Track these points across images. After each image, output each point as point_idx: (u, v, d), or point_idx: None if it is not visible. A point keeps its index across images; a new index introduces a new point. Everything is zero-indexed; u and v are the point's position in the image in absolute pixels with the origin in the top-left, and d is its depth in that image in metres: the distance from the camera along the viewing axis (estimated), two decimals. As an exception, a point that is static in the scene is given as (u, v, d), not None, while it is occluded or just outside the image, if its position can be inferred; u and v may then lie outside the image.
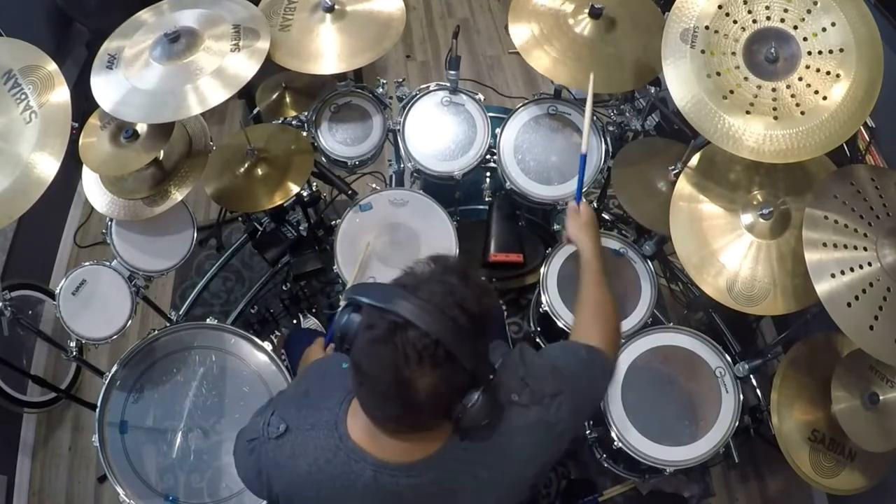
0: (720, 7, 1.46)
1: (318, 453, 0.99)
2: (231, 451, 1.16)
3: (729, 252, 1.59)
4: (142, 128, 1.69)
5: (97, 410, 1.66)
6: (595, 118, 2.02)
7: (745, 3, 1.46)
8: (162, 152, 1.77)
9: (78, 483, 2.38)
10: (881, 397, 1.50)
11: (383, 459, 0.96)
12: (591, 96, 1.56)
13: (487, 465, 0.98)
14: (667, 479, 2.11)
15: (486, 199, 2.16)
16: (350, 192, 2.05)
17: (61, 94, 1.48)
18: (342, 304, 0.95)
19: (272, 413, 1.05)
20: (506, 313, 2.16)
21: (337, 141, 2.09)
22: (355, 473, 0.97)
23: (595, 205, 2.22)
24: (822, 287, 1.35)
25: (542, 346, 2.08)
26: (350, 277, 1.85)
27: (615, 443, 1.68)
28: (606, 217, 2.53)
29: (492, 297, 0.92)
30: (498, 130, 2.02)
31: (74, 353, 1.82)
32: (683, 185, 1.67)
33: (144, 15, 1.72)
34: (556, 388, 1.05)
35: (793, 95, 1.42)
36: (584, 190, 1.97)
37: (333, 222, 2.02)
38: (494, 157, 2.05)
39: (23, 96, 1.47)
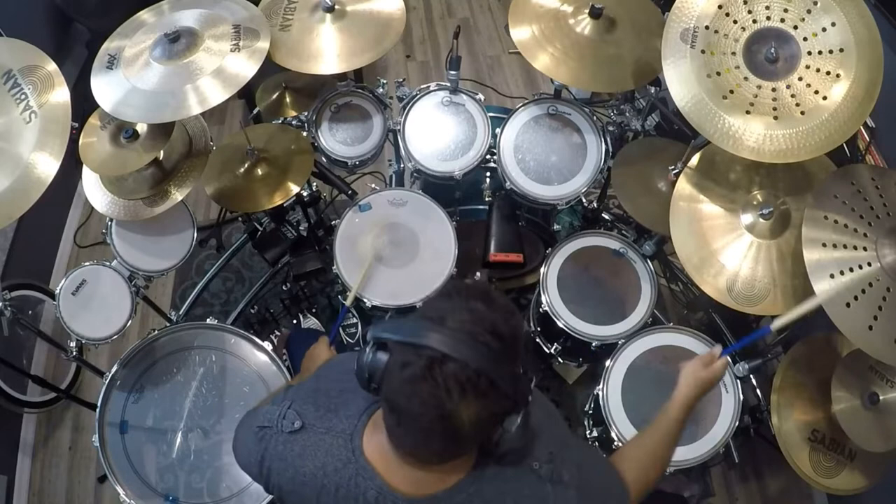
0: (720, 7, 1.47)
1: (327, 459, 0.98)
2: (231, 451, 1.15)
3: (729, 252, 1.59)
4: (142, 128, 1.69)
5: (97, 410, 1.66)
6: (595, 118, 2.03)
7: (745, 3, 1.46)
8: (162, 152, 1.77)
9: (78, 483, 2.39)
10: (881, 397, 1.50)
11: (390, 485, 0.95)
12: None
13: None
14: (667, 479, 2.11)
15: (486, 199, 2.16)
16: (350, 192, 2.05)
17: (61, 94, 1.48)
18: (368, 343, 0.93)
19: (289, 406, 1.04)
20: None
21: (337, 141, 2.09)
22: (360, 489, 0.96)
23: (595, 205, 2.22)
24: (821, 287, 1.35)
25: (542, 346, 2.08)
26: (354, 281, 1.85)
27: (615, 443, 1.68)
28: (606, 217, 2.52)
29: (517, 318, 0.90)
30: (498, 130, 2.02)
31: (74, 353, 1.82)
32: (683, 185, 1.67)
33: (144, 15, 1.72)
34: (573, 482, 1.02)
35: (793, 95, 1.42)
36: (584, 191, 1.99)
37: (333, 222, 2.02)
38: (494, 157, 2.05)
39: (23, 96, 1.47)
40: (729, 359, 1.73)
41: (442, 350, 0.81)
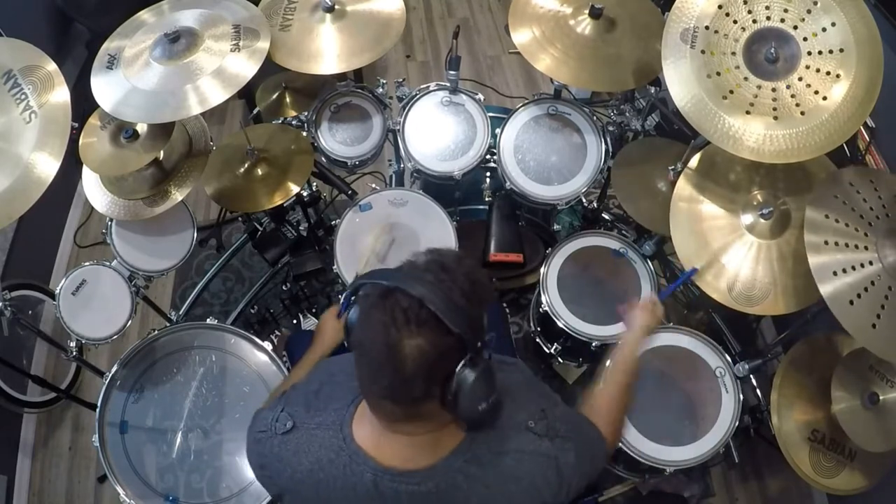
0: (720, 7, 1.47)
1: (321, 453, 1.00)
2: (231, 451, 1.17)
3: (729, 252, 1.59)
4: (142, 128, 1.70)
5: (97, 410, 1.66)
6: (595, 118, 2.03)
7: (745, 3, 1.46)
8: (162, 152, 1.77)
9: (78, 483, 2.38)
10: (881, 397, 1.50)
11: (385, 465, 0.96)
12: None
13: (491, 483, 0.98)
14: (667, 479, 2.11)
15: (486, 199, 2.16)
16: (350, 192, 2.05)
17: (61, 94, 1.48)
18: (351, 298, 1.00)
19: (281, 409, 1.07)
20: (508, 313, 2.16)
21: (337, 141, 2.09)
22: (356, 476, 0.97)
23: (595, 205, 2.22)
24: (824, 283, 1.34)
25: (542, 346, 2.08)
26: (358, 268, 1.87)
27: (615, 443, 1.68)
28: (606, 217, 2.53)
29: (482, 275, 0.95)
30: (498, 130, 2.02)
31: (74, 353, 1.82)
32: (683, 186, 1.67)
33: (144, 15, 1.72)
34: (569, 434, 1.05)
35: (793, 95, 1.42)
36: (584, 191, 1.99)
37: (333, 222, 2.02)
38: (494, 157, 2.05)
39: (23, 96, 1.47)
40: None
41: (396, 283, 0.88)
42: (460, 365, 0.88)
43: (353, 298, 1.02)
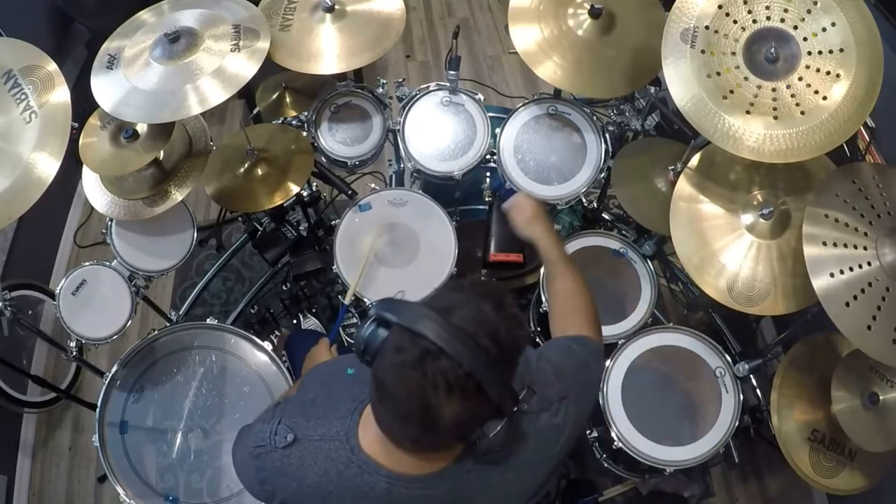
0: (720, 7, 1.47)
1: (328, 464, 0.98)
2: (231, 451, 1.15)
3: (729, 252, 1.59)
4: (142, 128, 1.70)
5: (97, 410, 1.66)
6: (595, 118, 2.03)
7: (745, 3, 1.46)
8: (162, 152, 1.77)
9: (78, 483, 2.39)
10: (881, 397, 1.50)
11: (397, 472, 0.95)
12: None
13: (500, 471, 0.99)
14: (667, 479, 2.11)
15: (486, 199, 2.16)
16: (350, 192, 2.05)
17: (61, 94, 1.48)
18: (370, 318, 0.91)
19: (279, 422, 1.04)
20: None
21: (337, 141, 2.09)
22: (368, 485, 0.96)
23: (595, 205, 2.22)
24: (821, 286, 1.35)
25: (542, 345, 2.08)
26: (353, 279, 1.85)
27: (615, 443, 1.67)
28: (606, 217, 2.53)
29: (523, 329, 0.91)
30: (498, 130, 2.02)
31: (74, 353, 1.82)
32: (683, 185, 1.67)
33: (144, 15, 1.72)
34: (562, 392, 1.06)
35: (793, 95, 1.42)
36: (584, 191, 1.98)
37: (333, 222, 2.02)
38: (494, 157, 2.05)
39: (23, 96, 1.47)
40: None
41: (438, 344, 0.80)
42: (491, 422, 0.88)
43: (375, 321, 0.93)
